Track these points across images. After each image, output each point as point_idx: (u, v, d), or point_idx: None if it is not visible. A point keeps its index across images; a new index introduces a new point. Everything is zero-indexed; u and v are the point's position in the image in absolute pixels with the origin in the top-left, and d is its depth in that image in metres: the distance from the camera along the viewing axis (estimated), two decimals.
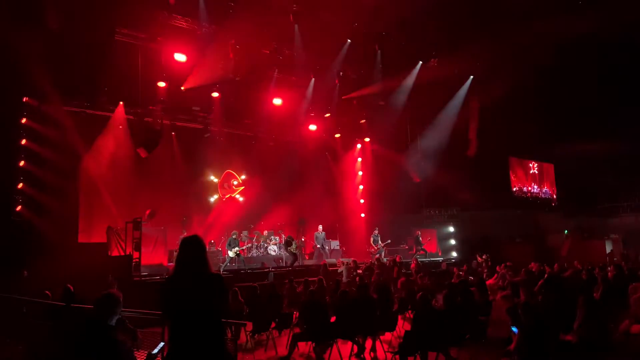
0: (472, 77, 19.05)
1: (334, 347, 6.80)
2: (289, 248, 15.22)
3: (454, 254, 20.09)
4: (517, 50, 16.32)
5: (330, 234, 18.17)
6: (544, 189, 25.43)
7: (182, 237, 3.70)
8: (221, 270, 13.09)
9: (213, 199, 17.89)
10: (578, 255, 17.36)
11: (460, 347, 6.47)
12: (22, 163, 12.68)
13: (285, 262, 15.43)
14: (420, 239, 17.83)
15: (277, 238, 16.53)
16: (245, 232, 16.25)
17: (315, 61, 16.50)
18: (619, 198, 24.15)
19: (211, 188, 17.94)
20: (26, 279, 9.72)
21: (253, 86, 16.36)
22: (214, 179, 18.01)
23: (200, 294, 3.17)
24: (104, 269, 10.26)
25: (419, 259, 16.03)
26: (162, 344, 4.60)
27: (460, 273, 12.85)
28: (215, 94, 16.25)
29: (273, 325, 7.97)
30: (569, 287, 8.06)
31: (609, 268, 11.45)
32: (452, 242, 20.75)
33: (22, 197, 12.51)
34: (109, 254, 12.02)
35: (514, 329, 5.54)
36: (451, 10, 14.37)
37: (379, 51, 16.54)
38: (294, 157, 18.73)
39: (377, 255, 16.58)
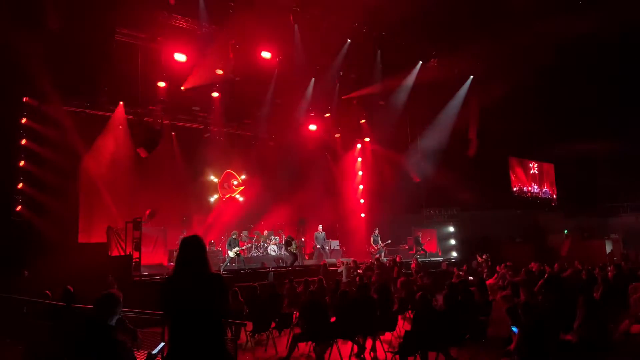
0: (472, 77, 19.06)
1: (334, 347, 6.79)
2: (289, 248, 15.22)
3: (454, 254, 20.09)
4: (517, 50, 16.33)
5: (330, 234, 18.16)
6: (544, 189, 25.43)
7: (182, 237, 3.70)
8: (221, 270, 13.08)
9: (213, 199, 17.89)
10: (578, 255, 17.36)
11: (460, 347, 6.47)
12: (22, 163, 12.68)
13: (285, 262, 15.42)
14: (421, 239, 17.84)
15: (277, 238, 16.52)
16: (245, 232, 16.25)
17: (315, 61, 16.50)
18: (619, 198, 24.14)
19: (211, 188, 17.95)
20: (26, 279, 9.73)
21: (253, 86, 16.36)
22: (214, 179, 18.01)
23: (200, 294, 3.16)
24: (104, 269, 10.26)
25: (419, 259, 16.03)
26: (162, 344, 4.61)
27: (460, 273, 12.85)
28: (215, 94, 16.25)
29: (273, 325, 7.97)
30: (569, 287, 8.06)
31: (609, 268, 11.46)
32: (452, 242, 20.75)
33: (22, 197, 12.51)
34: (109, 254, 12.02)
35: (514, 329, 5.54)
36: (451, 10, 14.38)
37: (379, 51, 16.56)
38: (294, 157, 18.71)
39: (377, 255, 16.58)
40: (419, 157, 20.38)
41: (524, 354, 4.83)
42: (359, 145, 21.75)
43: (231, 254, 13.88)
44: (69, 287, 6.51)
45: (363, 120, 20.25)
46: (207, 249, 3.65)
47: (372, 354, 7.32)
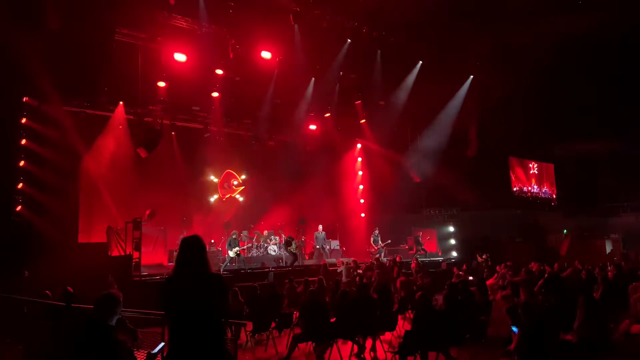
0: (472, 77, 19.05)
1: (334, 347, 6.79)
2: (289, 248, 15.23)
3: (454, 253, 20.09)
4: (517, 50, 16.33)
5: (330, 234, 18.17)
6: (544, 189, 25.42)
7: (182, 237, 3.69)
8: (221, 270, 13.08)
9: (213, 199, 17.90)
10: (578, 255, 17.37)
11: (460, 347, 6.47)
12: (22, 163, 12.68)
13: (285, 262, 15.42)
14: (421, 239, 17.84)
15: (277, 238, 16.52)
16: (245, 232, 16.25)
17: (315, 61, 16.49)
18: (619, 198, 24.14)
19: (211, 188, 17.94)
20: (26, 279, 9.73)
21: (253, 86, 16.36)
22: (214, 179, 18.01)
23: (200, 294, 3.16)
24: (104, 269, 10.26)
25: (419, 259, 16.03)
26: (162, 344, 4.61)
27: (460, 273, 12.85)
28: (215, 94, 16.25)
29: (273, 325, 7.97)
30: (569, 287, 8.07)
31: (609, 268, 11.46)
32: (452, 242, 20.75)
33: (22, 197, 12.50)
34: (109, 254, 12.02)
35: (514, 329, 5.55)
36: (451, 11, 14.38)
37: (379, 51, 16.55)
38: (294, 157, 18.71)
39: (377, 255, 16.58)
40: (419, 157, 20.38)
41: (524, 353, 4.83)
42: (359, 145, 21.75)
43: (231, 253, 13.89)
44: (68, 287, 6.51)
45: (363, 120, 20.25)
46: (207, 249, 3.65)
47: (372, 353, 7.32)
